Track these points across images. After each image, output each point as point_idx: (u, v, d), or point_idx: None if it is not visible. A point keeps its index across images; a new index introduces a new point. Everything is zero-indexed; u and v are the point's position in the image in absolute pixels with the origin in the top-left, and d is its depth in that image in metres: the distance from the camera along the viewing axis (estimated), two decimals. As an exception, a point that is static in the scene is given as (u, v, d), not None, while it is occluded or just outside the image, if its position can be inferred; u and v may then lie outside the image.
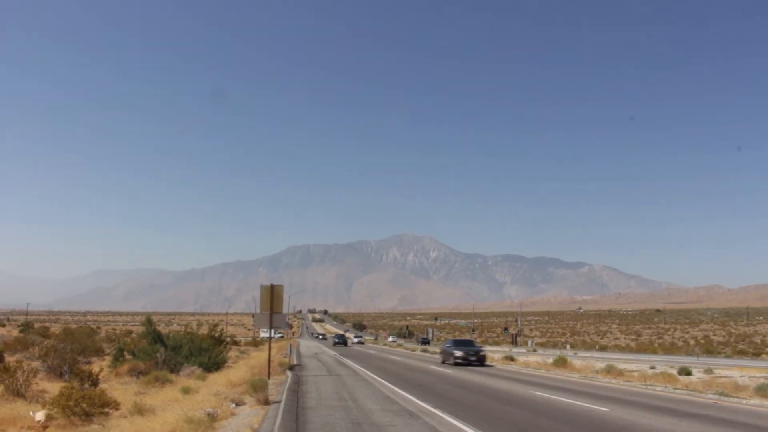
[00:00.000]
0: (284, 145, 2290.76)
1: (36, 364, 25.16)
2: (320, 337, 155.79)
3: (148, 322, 33.25)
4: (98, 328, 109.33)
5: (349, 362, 40.61)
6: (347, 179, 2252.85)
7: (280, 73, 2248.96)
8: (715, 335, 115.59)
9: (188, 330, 34.63)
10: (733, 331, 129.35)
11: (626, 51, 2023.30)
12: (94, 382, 20.71)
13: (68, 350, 28.85)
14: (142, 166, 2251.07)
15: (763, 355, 63.16)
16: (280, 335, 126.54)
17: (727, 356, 62.44)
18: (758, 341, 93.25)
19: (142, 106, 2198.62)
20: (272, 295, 25.08)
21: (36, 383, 20.52)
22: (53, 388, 18.68)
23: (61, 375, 24.82)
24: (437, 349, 68.57)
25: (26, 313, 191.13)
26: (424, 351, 62.90)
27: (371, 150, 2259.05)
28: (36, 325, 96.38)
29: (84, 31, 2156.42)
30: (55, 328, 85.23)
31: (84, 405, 14.65)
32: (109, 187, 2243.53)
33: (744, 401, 19.13)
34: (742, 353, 66.90)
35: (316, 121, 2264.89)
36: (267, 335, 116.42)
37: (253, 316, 30.63)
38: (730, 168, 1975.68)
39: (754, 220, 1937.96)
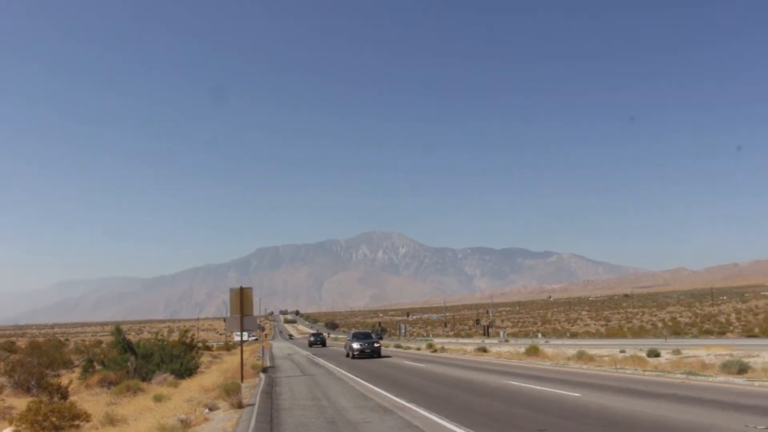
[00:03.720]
0: (248, 148, 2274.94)
1: (2, 380, 24.69)
2: (289, 337, 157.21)
3: (117, 331, 32.83)
4: (67, 340, 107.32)
5: (322, 362, 40.55)
6: (313, 179, 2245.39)
7: (241, 75, 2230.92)
8: (681, 317, 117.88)
9: (159, 337, 34.29)
10: (698, 312, 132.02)
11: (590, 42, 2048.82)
12: (64, 395, 20.41)
13: (35, 364, 28.37)
14: (103, 173, 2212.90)
15: (728, 334, 64.75)
16: (254, 338, 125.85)
17: (694, 336, 63.80)
18: (723, 320, 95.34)
19: (101, 110, 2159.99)
20: (242, 298, 24.99)
21: (2, 399, 20.17)
22: (21, 403, 18.33)
23: (28, 390, 24.38)
24: (411, 345, 68.96)
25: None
26: (397, 347, 63.05)
27: (335, 148, 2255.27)
28: (1, 340, 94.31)
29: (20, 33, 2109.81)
30: (22, 342, 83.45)
31: (53, 419, 14.42)
32: (70, 195, 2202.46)
33: (710, 379, 19.61)
34: (708, 333, 68.45)
35: (279, 121, 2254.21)
36: (240, 339, 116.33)
37: (225, 320, 30.41)
38: (692, 153, 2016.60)
39: (717, 203, 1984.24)
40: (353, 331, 57.36)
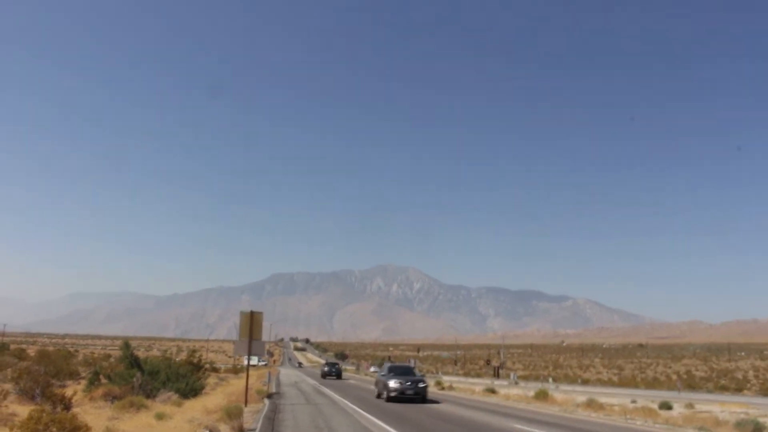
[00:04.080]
0: (269, 173, 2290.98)
1: (8, 386, 24.70)
2: (298, 365, 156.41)
3: (126, 346, 32.86)
4: (76, 351, 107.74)
5: (328, 391, 40.18)
6: (332, 207, 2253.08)
7: (262, 97, 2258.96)
8: (697, 370, 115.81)
9: (167, 355, 34.28)
10: (714, 366, 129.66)
11: (618, 57, 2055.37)
12: (67, 406, 20.34)
13: (42, 373, 28.41)
14: (123, 188, 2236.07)
15: (745, 391, 63.44)
16: (264, 363, 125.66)
17: (709, 391, 62.54)
18: (740, 377, 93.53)
19: (122, 124, 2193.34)
20: (252, 322, 24.94)
21: (6, 406, 20.13)
22: (24, 411, 18.28)
23: (33, 398, 24.36)
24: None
25: (2, 334, 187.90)
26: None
27: (357, 179, 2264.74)
28: (12, 347, 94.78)
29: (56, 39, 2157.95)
30: (32, 350, 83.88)
31: (53, 429, 14.33)
32: (88, 208, 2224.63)
33: (723, 437, 19.11)
34: (723, 389, 67.08)
35: (301, 149, 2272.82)
36: (253, 362, 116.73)
37: (234, 343, 30.28)
38: (710, 205, 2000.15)
39: (736, 258, 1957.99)
40: (388, 363, 41.03)
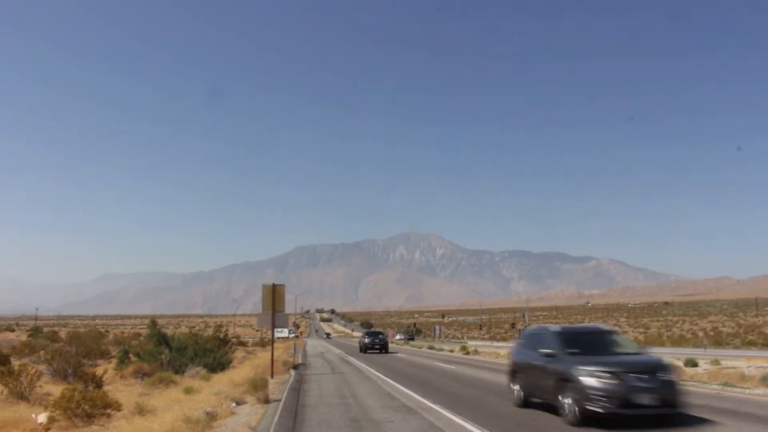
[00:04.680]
0: (288, 145, 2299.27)
1: (42, 367, 25.36)
2: (326, 336, 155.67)
3: (153, 324, 33.49)
4: (107, 331, 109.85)
5: (353, 360, 40.64)
6: (353, 178, 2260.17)
7: (282, 72, 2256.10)
8: (723, 327, 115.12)
9: (194, 332, 34.87)
10: (742, 322, 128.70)
11: (629, 47, 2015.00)
12: (99, 385, 20.87)
13: (73, 353, 29.06)
14: (146, 169, 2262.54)
15: (772, 346, 62.94)
16: (294, 335, 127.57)
17: (736, 347, 62.13)
18: (767, 332, 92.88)
19: (144, 107, 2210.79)
20: (274, 295, 25.14)
21: (40, 386, 20.70)
22: (58, 390, 18.80)
23: (65, 378, 25.02)
24: (445, 346, 68.72)
25: (35, 318, 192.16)
26: (431, 348, 62.87)
27: (376, 148, 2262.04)
28: (45, 330, 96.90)
29: (82, 32, 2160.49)
30: (64, 333, 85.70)
31: (86, 407, 14.76)
32: (113, 190, 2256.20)
33: (748, 391, 19.05)
34: (751, 344, 66.59)
35: (319, 120, 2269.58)
36: (283, 335, 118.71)
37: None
38: (734, 161, 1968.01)
39: (762, 211, 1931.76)
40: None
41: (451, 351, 55.85)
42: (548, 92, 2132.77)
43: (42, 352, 33.07)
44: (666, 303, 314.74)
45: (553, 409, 13.07)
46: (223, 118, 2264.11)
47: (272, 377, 23.54)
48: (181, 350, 30.25)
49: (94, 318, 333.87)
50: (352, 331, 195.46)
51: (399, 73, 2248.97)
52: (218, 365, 29.77)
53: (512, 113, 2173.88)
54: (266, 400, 15.74)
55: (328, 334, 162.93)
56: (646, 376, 11.92)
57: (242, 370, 28.09)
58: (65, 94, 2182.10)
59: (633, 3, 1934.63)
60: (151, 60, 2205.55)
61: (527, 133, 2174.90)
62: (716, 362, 32.02)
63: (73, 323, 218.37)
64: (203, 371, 27.06)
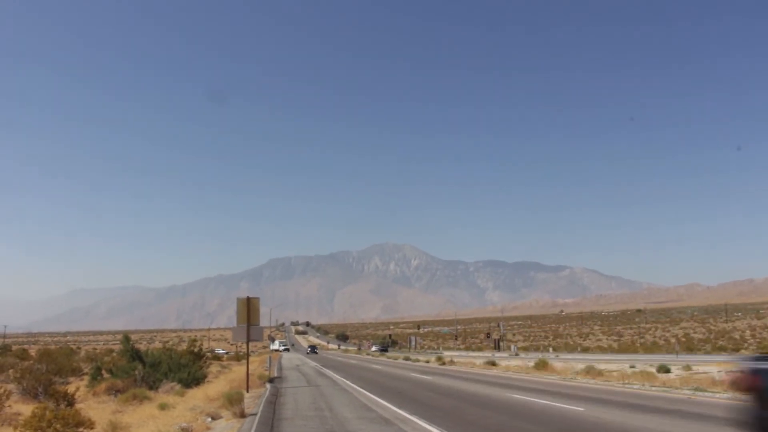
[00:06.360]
0: (262, 158, 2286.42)
1: (11, 386, 24.88)
2: (310, 350, 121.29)
3: (126, 339, 33.06)
4: (78, 348, 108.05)
5: (329, 373, 40.51)
6: (326, 190, 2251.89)
7: (259, 84, 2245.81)
8: (695, 333, 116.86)
9: (167, 346, 34.49)
10: (712, 328, 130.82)
11: (607, 53, 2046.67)
12: (70, 402, 20.53)
13: (44, 371, 28.58)
14: (117, 182, 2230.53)
15: (742, 351, 64.03)
16: (285, 348, 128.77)
17: (707, 353, 63.20)
18: (737, 337, 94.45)
19: (117, 119, 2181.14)
20: (249, 308, 25.06)
21: (9, 406, 20.33)
22: (28, 410, 18.46)
23: (36, 396, 24.58)
24: (421, 357, 68.77)
25: (3, 336, 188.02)
26: (406, 359, 62.93)
27: (348, 160, 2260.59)
28: (14, 348, 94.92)
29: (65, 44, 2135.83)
30: (34, 350, 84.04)
31: (57, 425, 14.50)
32: (83, 204, 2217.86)
33: (717, 395, 19.43)
34: (721, 349, 67.78)
35: (293, 132, 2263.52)
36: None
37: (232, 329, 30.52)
38: (705, 168, 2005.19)
39: (731, 219, 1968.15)
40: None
41: (427, 362, 55.95)
42: (520, 102, 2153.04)
43: (11, 370, 32.44)
44: (639, 310, 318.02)
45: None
46: (196, 130, 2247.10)
47: (248, 391, 23.41)
48: (155, 365, 29.89)
49: (65, 335, 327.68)
50: (328, 343, 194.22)
51: (373, 84, 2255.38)
52: (193, 380, 29.47)
53: (486, 124, 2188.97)
54: (242, 414, 15.66)
55: (313, 348, 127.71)
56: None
57: (217, 384, 27.85)
58: (31, 105, 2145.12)
59: (629, 6, 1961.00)
60: (136, 72, 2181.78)
61: (500, 143, 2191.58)
62: (688, 368, 32.55)
63: (43, 340, 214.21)
64: (178, 386, 26.78)
